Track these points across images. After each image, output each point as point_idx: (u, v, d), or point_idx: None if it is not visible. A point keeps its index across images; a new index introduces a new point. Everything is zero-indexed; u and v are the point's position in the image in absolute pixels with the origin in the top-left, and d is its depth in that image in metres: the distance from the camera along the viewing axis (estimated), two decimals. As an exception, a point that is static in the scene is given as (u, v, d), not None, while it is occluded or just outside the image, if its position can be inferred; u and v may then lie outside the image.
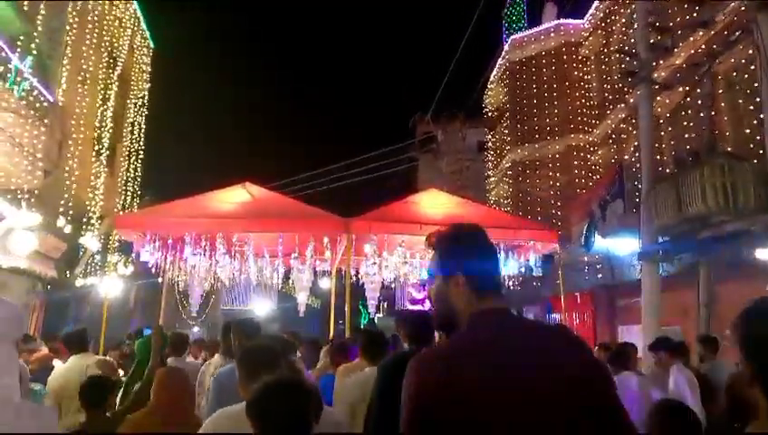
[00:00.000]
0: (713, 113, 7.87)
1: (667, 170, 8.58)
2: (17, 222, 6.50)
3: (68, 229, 10.43)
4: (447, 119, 23.99)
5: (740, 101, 7.92)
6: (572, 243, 10.71)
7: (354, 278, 9.54)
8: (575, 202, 12.50)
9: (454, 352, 1.36)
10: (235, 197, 7.71)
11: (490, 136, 21.50)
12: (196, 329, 10.28)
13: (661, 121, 8.71)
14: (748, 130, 7.58)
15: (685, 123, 8.88)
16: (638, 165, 11.90)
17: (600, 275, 11.71)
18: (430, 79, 55.30)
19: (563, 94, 16.54)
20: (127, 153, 14.82)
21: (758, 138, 7.09)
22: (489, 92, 21.35)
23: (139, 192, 14.94)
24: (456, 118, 23.72)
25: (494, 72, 20.66)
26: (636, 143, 12.42)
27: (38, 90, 8.58)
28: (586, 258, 11.67)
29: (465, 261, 1.49)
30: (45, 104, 9.06)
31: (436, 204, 8.69)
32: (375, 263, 9.28)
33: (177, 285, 8.49)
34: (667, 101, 9.37)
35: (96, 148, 13.03)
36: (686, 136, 8.75)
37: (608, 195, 11.35)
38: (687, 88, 8.72)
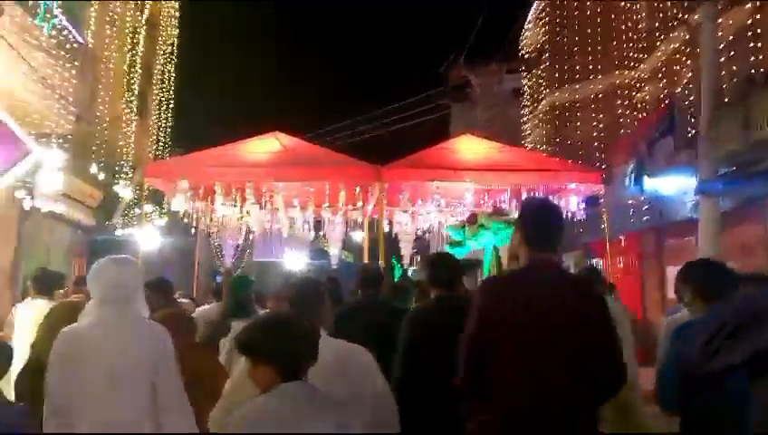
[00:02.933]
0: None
1: (726, 100, 7.81)
2: (44, 159, 6.50)
3: (102, 177, 10.55)
4: (483, 63, 22.93)
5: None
6: (616, 184, 10.15)
7: (387, 229, 9.33)
8: (619, 143, 11.79)
9: (505, 286, 2.21)
10: (265, 146, 7.54)
11: (526, 81, 20.47)
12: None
13: (721, 47, 7.87)
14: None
15: (751, 44, 7.99)
16: (691, 98, 11.05)
17: (645, 218, 11.11)
18: (463, 21, 52.85)
19: (607, 29, 15.38)
20: (157, 102, 14.73)
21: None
22: (526, 33, 20.17)
23: (170, 142, 14.93)
24: (491, 62, 22.64)
25: (532, 11, 19.43)
26: (689, 74, 11.49)
27: (68, 29, 8.41)
28: (631, 200, 11.07)
29: (523, 225, 2.25)
30: (75, 45, 8.94)
31: (472, 149, 8.31)
32: (408, 211, 9.03)
33: (210, 236, 8.50)
34: (730, 22, 8.46)
35: (126, 95, 12.97)
36: (753, 59, 7.88)
37: (657, 132, 10.64)
38: (756, 3, 7.81)
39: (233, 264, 8.84)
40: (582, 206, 7.89)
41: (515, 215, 4.48)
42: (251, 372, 1.84)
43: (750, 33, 8.19)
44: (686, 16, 11.56)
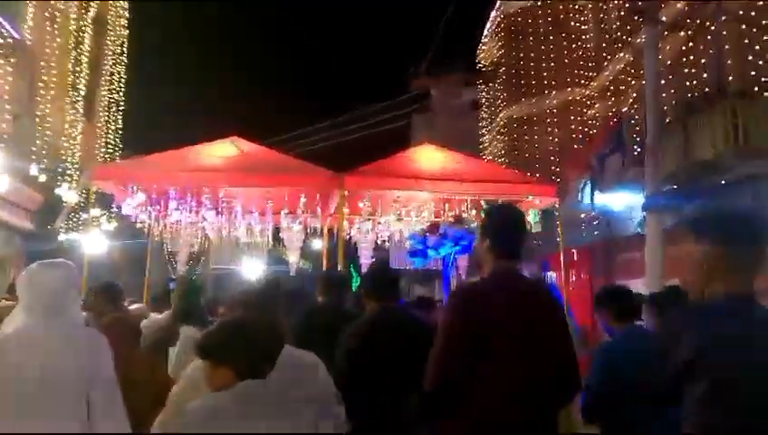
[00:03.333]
0: (726, 47, 7.40)
1: (668, 120, 8.24)
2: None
3: (43, 179, 9.97)
4: (444, 74, 23.31)
5: (746, 39, 7.48)
6: (569, 199, 10.50)
7: (347, 237, 9.26)
8: (572, 157, 12.21)
9: (477, 294, 2.12)
10: (222, 151, 7.33)
11: (484, 93, 20.96)
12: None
13: (661, 69, 8.34)
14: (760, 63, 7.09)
15: (687, 70, 8.50)
16: (636, 117, 11.62)
17: (596, 232, 11.55)
18: (424, 35, 53.68)
19: (559, 47, 16.01)
20: (106, 104, 14.15)
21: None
22: (483, 47, 20.68)
23: (120, 145, 14.34)
24: (452, 72, 23.03)
25: (488, 26, 19.95)
26: (634, 95, 12.09)
27: (1, 23, 7.94)
28: (582, 214, 11.48)
29: (490, 232, 2.20)
30: (10, 40, 8.43)
31: (431, 158, 8.38)
32: (368, 219, 8.99)
33: (165, 243, 8.17)
34: (668, 48, 8.97)
35: (71, 95, 12.39)
36: (689, 84, 8.38)
37: (606, 149, 11.08)
38: (692, 31, 8.29)
39: (187, 271, 8.51)
40: (538, 219, 8.07)
41: (475, 225, 4.54)
42: (209, 375, 1.81)
43: (686, 59, 8.69)
44: (630, 39, 12.20)
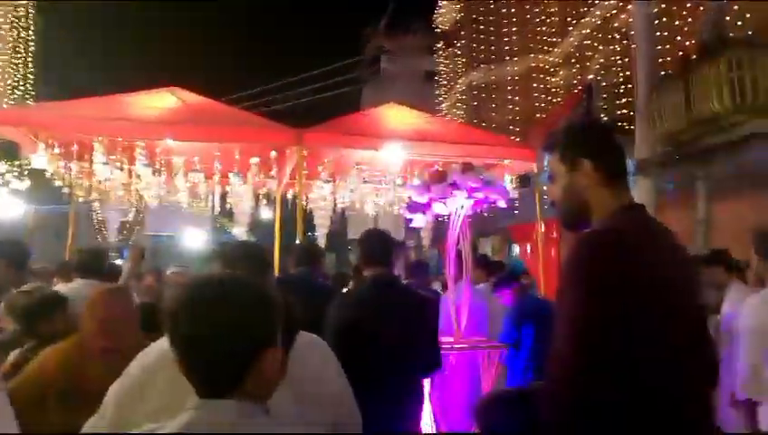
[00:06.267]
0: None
1: (663, 75, 7.79)
2: None
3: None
4: (401, 34, 22.27)
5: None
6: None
7: (305, 204, 8.38)
8: (539, 125, 11.79)
9: (630, 236, 1.33)
10: (160, 101, 6.20)
11: (442, 60, 20.20)
12: (120, 261, 8.74)
13: (655, 23, 7.87)
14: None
15: (680, 21, 8.05)
16: (603, 84, 11.29)
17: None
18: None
19: (522, 11, 15.45)
20: (12, 41, 12.07)
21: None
22: (441, 10, 19.81)
23: (32, 92, 12.36)
24: (410, 31, 22.01)
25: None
26: (602, 60, 11.75)
27: None
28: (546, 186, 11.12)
29: (592, 145, 1.49)
30: None
31: (400, 118, 7.63)
32: (328, 182, 8.15)
33: (91, 206, 6.95)
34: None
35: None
36: (678, 39, 7.93)
37: (573, 116, 10.71)
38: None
39: (118, 239, 7.34)
40: (515, 186, 7.54)
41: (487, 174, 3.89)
42: None
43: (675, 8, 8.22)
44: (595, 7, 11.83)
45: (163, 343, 1.43)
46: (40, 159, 5.13)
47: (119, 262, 9.41)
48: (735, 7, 6.77)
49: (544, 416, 1.25)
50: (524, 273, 8.22)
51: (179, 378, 1.06)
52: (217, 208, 8.35)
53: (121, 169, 5.85)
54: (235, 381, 1.02)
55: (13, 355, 2.58)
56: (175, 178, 6.42)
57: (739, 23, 6.52)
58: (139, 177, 5.88)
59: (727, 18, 6.58)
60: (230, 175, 7.32)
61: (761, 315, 2.60)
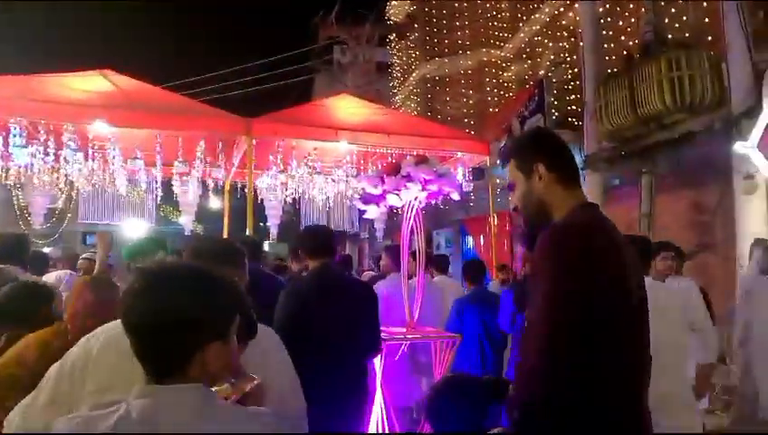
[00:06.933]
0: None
1: (609, 72, 7.99)
2: None
3: None
4: (353, 23, 21.89)
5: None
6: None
7: (254, 194, 8.10)
8: (492, 119, 11.89)
9: (590, 228, 1.46)
10: (90, 84, 5.74)
11: (395, 52, 20.07)
12: (47, 249, 8.11)
13: (600, 22, 8.02)
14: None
15: (623, 21, 8.26)
16: (553, 80, 11.50)
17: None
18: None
19: (473, 6, 15.52)
20: None
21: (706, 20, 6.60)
22: (392, 2, 19.64)
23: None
24: (364, 20, 21.66)
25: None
26: (552, 57, 11.97)
27: None
28: (499, 179, 11.25)
29: (544, 150, 1.58)
30: None
31: (351, 109, 7.50)
32: (279, 172, 7.89)
33: (12, 191, 6.35)
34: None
35: None
36: (622, 39, 8.12)
37: (526, 111, 10.86)
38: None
39: (45, 226, 6.78)
40: (468, 179, 7.54)
41: (443, 168, 3.80)
42: None
43: (619, 9, 8.45)
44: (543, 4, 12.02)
45: (110, 327, 1.48)
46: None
47: (46, 250, 8.79)
48: (673, 10, 7.04)
49: (530, 391, 1.29)
50: (504, 267, 8.29)
51: (122, 361, 1.13)
52: (160, 197, 7.90)
53: (46, 154, 5.36)
54: (174, 370, 1.05)
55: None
56: (112, 165, 5.97)
57: (677, 25, 6.82)
58: (65, 159, 5.40)
59: (666, 20, 6.84)
60: (175, 163, 6.93)
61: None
